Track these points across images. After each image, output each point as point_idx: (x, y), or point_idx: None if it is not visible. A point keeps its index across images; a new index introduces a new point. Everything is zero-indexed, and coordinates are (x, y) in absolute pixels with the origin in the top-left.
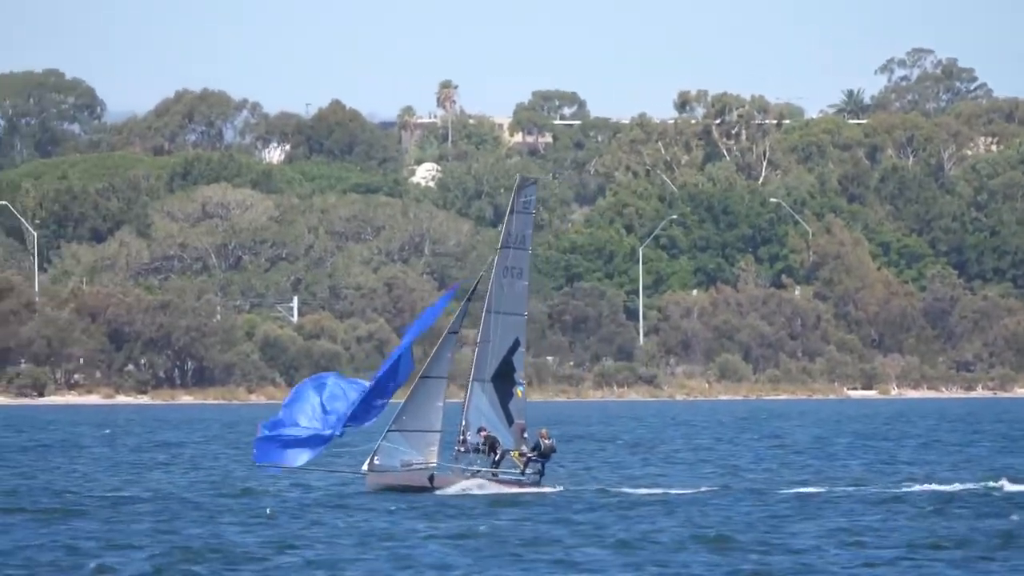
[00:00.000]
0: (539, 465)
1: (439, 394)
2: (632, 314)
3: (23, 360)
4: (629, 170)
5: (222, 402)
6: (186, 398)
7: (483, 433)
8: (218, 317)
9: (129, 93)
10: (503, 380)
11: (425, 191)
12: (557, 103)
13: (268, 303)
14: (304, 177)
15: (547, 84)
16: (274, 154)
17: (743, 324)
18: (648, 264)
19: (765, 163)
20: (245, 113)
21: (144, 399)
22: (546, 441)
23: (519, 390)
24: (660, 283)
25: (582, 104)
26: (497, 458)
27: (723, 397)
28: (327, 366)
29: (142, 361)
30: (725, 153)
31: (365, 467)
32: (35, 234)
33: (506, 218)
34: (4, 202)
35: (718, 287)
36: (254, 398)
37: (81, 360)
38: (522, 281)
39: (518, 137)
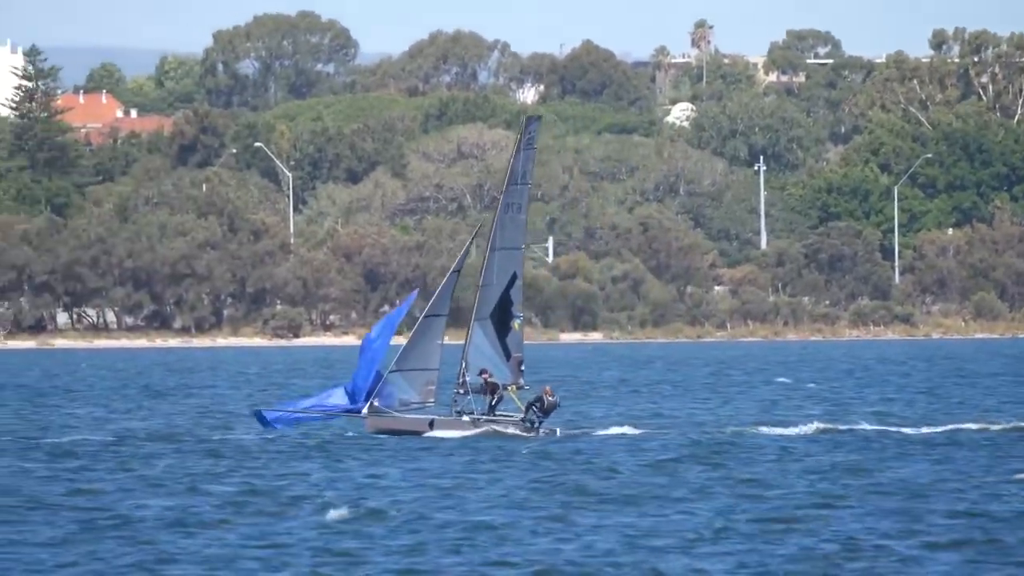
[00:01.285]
0: (538, 418)
1: (439, 332)
2: (887, 253)
3: (279, 301)
4: (884, 109)
5: None
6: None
7: (484, 376)
8: (473, 257)
9: (382, 34)
10: (501, 313)
11: (679, 131)
12: (811, 42)
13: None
14: (558, 117)
15: (801, 23)
16: (528, 95)
17: (999, 262)
18: (903, 203)
19: (1022, 101)
20: (497, 54)
21: (399, 340)
22: (550, 398)
23: (516, 323)
24: (915, 221)
25: (836, 44)
26: (494, 402)
27: (979, 335)
28: (583, 307)
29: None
30: (980, 92)
31: (365, 410)
32: (290, 176)
33: (512, 156)
34: (259, 144)
35: (973, 225)
36: None
37: (336, 301)
38: (521, 215)
39: (772, 76)
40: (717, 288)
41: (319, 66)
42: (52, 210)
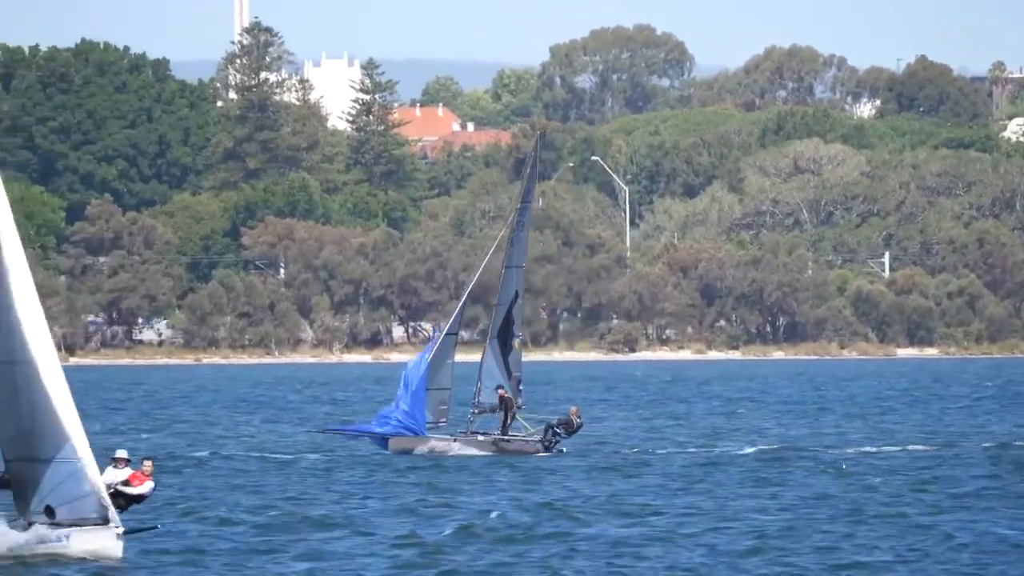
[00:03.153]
0: (558, 438)
1: (450, 350)
2: None
3: (614, 316)
4: None
5: (813, 357)
6: (777, 353)
7: (500, 391)
8: (809, 272)
9: (717, 48)
10: (504, 333)
11: (1016, 146)
12: None
13: (860, 258)
14: (895, 132)
15: None
16: (864, 109)
17: None
18: None
19: None
20: (833, 69)
21: (735, 355)
22: (576, 419)
23: (516, 342)
24: None
25: None
26: (509, 421)
27: None
28: (919, 321)
29: (733, 316)
30: None
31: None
32: (626, 189)
33: (526, 174)
34: (596, 157)
35: None
36: (846, 353)
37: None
38: (524, 233)
39: None
40: None
41: (655, 80)
42: (388, 223)
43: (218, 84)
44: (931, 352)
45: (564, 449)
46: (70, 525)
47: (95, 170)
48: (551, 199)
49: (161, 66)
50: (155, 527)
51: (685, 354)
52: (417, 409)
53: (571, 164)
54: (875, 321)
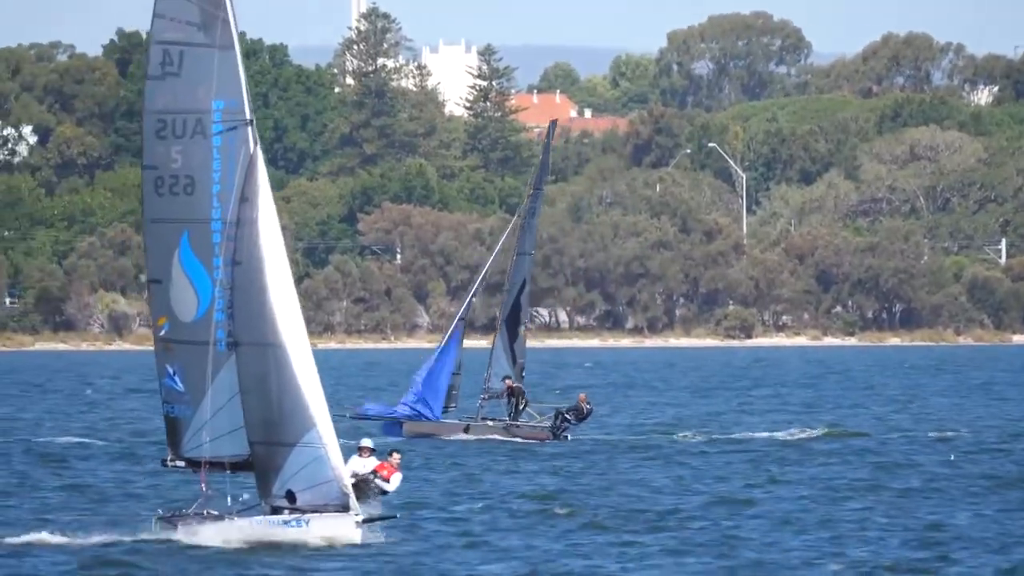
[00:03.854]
0: (568, 425)
1: (459, 338)
2: None
3: (731, 302)
4: None
5: (929, 344)
6: (894, 340)
7: (507, 382)
8: (926, 259)
9: (834, 35)
10: (513, 320)
11: None
12: None
13: (976, 244)
14: (1012, 119)
15: None
16: (981, 96)
17: None
18: None
19: None
20: (950, 56)
21: (851, 341)
22: (586, 406)
23: (522, 329)
24: None
25: None
26: (521, 407)
27: None
28: None
29: (849, 303)
30: None
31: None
32: (744, 176)
33: (541, 161)
34: (713, 144)
35: None
36: (962, 340)
37: (789, 302)
38: (535, 220)
39: None
40: None
41: (772, 67)
42: (505, 209)
43: (335, 70)
44: None
45: (569, 436)
46: (310, 511)
47: None
48: (668, 185)
49: (278, 52)
50: (394, 515)
51: (801, 340)
52: (437, 395)
53: (688, 151)
54: (991, 307)
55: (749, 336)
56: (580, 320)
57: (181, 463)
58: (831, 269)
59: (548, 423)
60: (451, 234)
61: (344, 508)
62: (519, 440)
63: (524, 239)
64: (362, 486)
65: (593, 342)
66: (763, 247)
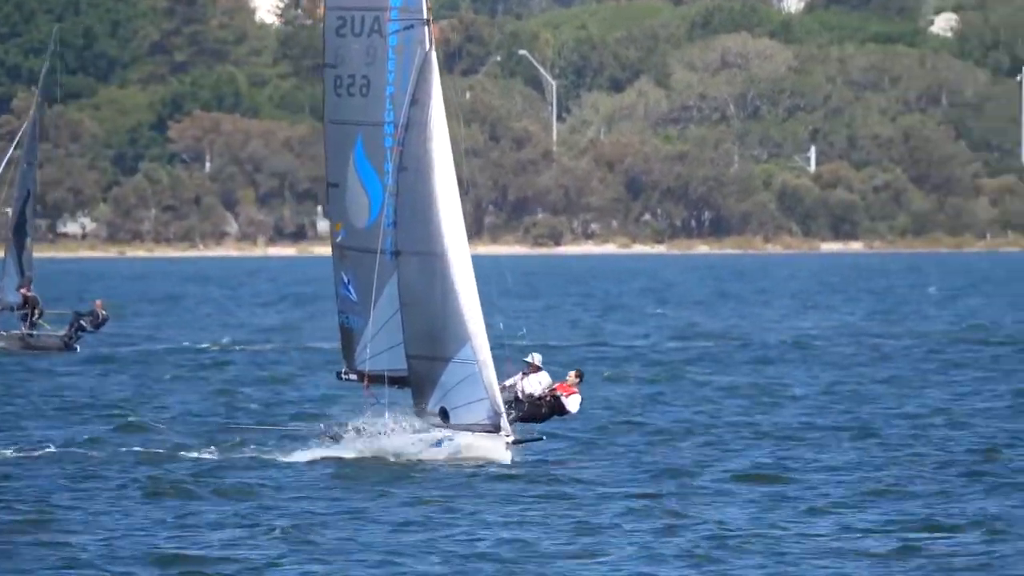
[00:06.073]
0: (83, 334)
1: None
2: None
3: (540, 210)
4: None
5: (738, 251)
6: (702, 248)
7: (23, 291)
8: (735, 167)
9: None
10: (19, 232)
11: (943, 41)
12: None
13: (785, 153)
14: (823, 27)
15: None
16: (792, 3)
17: None
18: None
19: None
20: None
21: (660, 249)
22: (102, 312)
23: (28, 241)
24: None
25: None
26: (35, 319)
27: None
28: (843, 216)
29: (659, 211)
30: None
31: None
32: (554, 84)
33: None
34: (523, 52)
35: None
36: (770, 247)
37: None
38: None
39: None
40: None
41: None
42: (315, 118)
43: None
44: (856, 246)
45: (79, 348)
46: (463, 429)
47: (22, 63)
48: (478, 93)
49: None
50: (540, 438)
51: (610, 248)
52: None
53: (498, 59)
54: (800, 215)
55: (558, 244)
56: None
57: (354, 376)
58: (640, 177)
59: (64, 332)
60: (261, 142)
61: (495, 428)
62: (32, 351)
63: (30, 148)
64: (534, 410)
65: None
66: (573, 155)
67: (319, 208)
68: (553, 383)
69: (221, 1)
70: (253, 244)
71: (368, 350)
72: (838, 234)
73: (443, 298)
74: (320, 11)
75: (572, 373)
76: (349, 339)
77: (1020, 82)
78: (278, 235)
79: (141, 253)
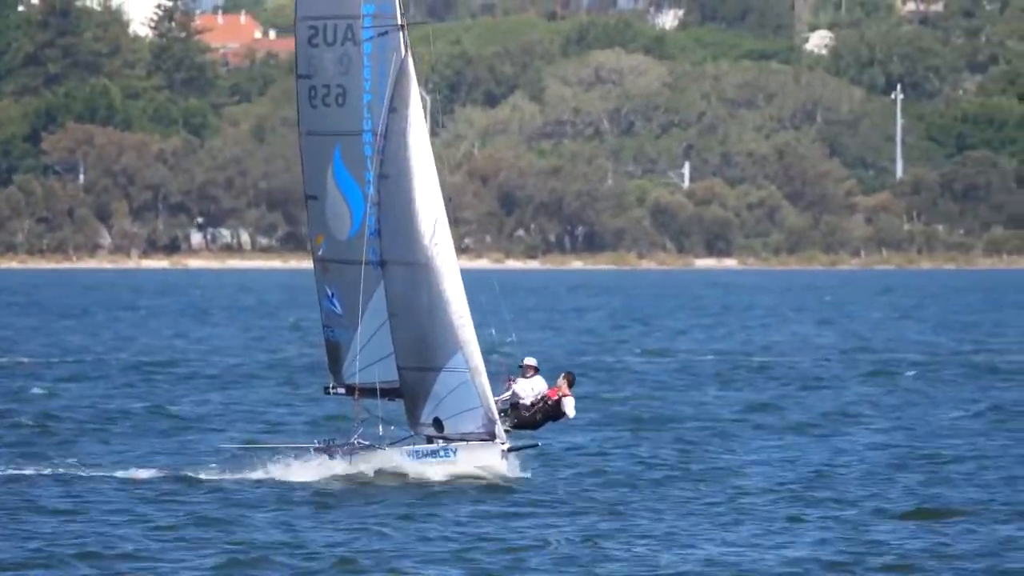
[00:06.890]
0: None
1: None
2: (1023, 182)
3: None
4: (1022, 39)
5: (612, 267)
6: (576, 263)
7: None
8: (610, 182)
9: None
10: None
11: (818, 59)
12: None
13: (660, 169)
14: (697, 44)
15: None
16: (667, 20)
17: None
18: None
19: None
20: None
21: (534, 264)
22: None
23: None
24: None
25: None
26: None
27: None
28: (718, 232)
29: (532, 226)
30: None
31: None
32: (427, 98)
33: None
34: None
35: None
36: (644, 264)
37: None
38: None
39: (911, 6)
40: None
41: None
42: (189, 130)
43: None
44: (730, 263)
45: None
46: (457, 439)
47: None
48: None
49: None
50: (536, 444)
51: (483, 263)
52: None
53: None
54: (674, 232)
55: None
56: (263, 241)
57: (342, 390)
58: (515, 191)
59: None
60: (134, 154)
61: (490, 436)
62: None
63: None
64: (526, 415)
65: (275, 263)
66: (447, 170)
67: (197, 220)
68: (546, 389)
69: (95, 13)
70: (126, 256)
71: (357, 362)
72: (712, 251)
73: (431, 307)
74: (196, 24)
75: (562, 377)
76: (336, 352)
77: (894, 100)
78: (151, 247)
79: (14, 265)
